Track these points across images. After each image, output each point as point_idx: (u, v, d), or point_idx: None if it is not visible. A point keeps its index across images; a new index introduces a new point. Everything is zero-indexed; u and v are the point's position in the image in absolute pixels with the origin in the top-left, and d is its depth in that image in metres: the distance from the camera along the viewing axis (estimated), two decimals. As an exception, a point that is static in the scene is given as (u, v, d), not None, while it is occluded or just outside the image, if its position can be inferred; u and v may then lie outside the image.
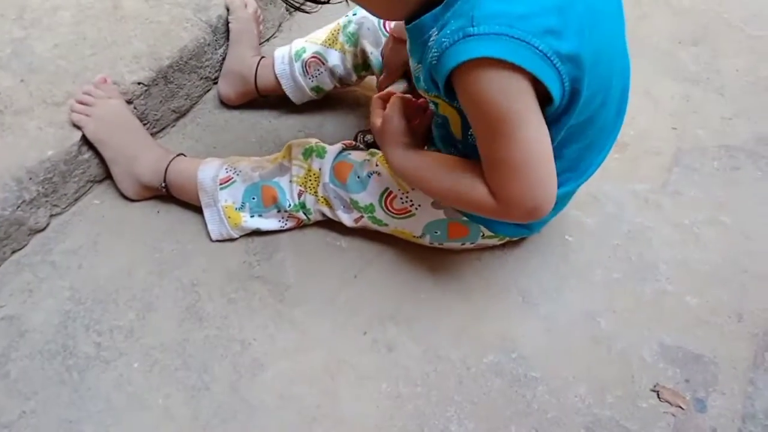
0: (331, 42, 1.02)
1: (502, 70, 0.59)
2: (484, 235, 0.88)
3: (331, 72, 1.03)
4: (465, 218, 0.85)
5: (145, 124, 1.01)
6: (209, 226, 0.93)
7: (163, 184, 0.94)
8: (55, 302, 0.87)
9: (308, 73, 1.04)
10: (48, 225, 0.95)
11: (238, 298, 0.90)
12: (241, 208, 0.92)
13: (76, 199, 0.98)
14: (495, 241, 0.91)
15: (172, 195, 0.96)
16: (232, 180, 0.91)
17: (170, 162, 0.94)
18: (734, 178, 1.05)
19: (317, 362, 0.84)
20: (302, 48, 1.04)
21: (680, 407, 0.80)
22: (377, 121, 0.82)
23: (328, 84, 1.05)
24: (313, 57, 1.03)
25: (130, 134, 0.96)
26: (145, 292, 0.89)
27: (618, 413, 0.80)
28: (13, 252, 0.91)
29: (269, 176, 0.91)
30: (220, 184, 0.91)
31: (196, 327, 0.86)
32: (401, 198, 0.86)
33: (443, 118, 0.78)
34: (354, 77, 1.05)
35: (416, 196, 0.85)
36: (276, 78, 1.05)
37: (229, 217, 0.92)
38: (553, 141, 0.67)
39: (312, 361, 0.84)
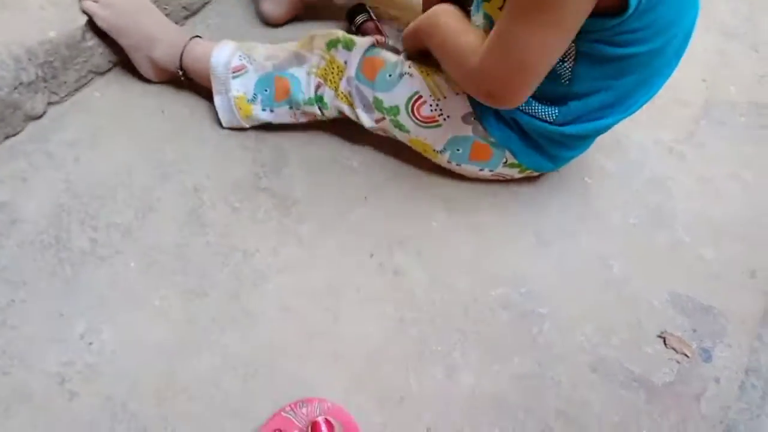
0: None
1: None
2: (506, 161, 0.84)
3: None
4: (492, 139, 0.81)
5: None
6: (219, 113, 0.90)
7: (180, 71, 0.90)
8: (50, 193, 0.83)
9: None
10: (45, 113, 0.89)
11: (243, 208, 0.86)
12: (253, 99, 0.88)
13: (77, 89, 0.92)
14: (514, 173, 0.88)
15: (190, 79, 0.92)
16: (245, 69, 0.87)
17: (185, 47, 0.89)
18: (761, 135, 1.02)
19: (321, 280, 0.81)
20: None
21: (685, 355, 0.79)
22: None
23: None
24: None
25: (144, 18, 0.90)
26: (145, 192, 0.85)
27: (622, 355, 0.79)
28: (7, 137, 0.86)
29: (283, 66, 0.87)
30: (233, 72, 0.87)
31: (197, 232, 0.83)
32: (431, 104, 0.81)
33: (487, 18, 0.74)
34: None
35: (447, 105, 0.81)
36: None
37: (240, 108, 0.89)
38: (612, 63, 0.66)
39: (315, 279, 0.81)
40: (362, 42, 0.84)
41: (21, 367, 0.70)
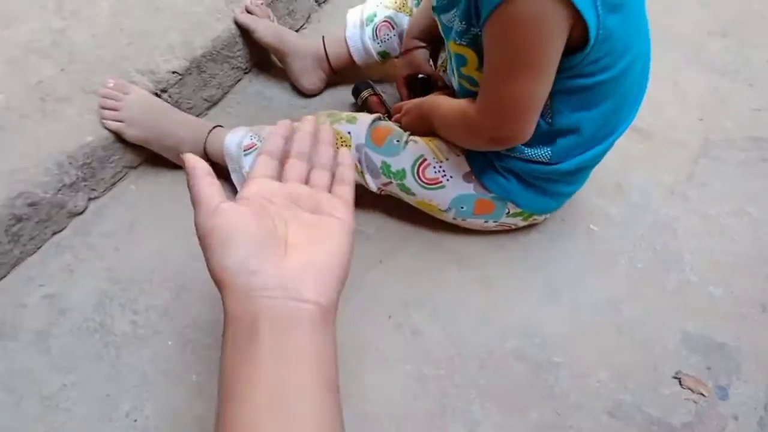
0: (400, 6, 1.06)
1: (549, 2, 0.62)
2: (509, 212, 0.89)
3: (400, 37, 1.06)
4: (492, 195, 0.87)
5: (178, 113, 1.04)
6: (239, 190, 0.97)
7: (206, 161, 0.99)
8: (94, 282, 0.91)
9: (377, 37, 1.07)
10: (86, 208, 0.99)
11: (268, 281, 0.92)
12: None
13: (113, 184, 1.01)
14: (518, 221, 0.92)
15: (214, 164, 1.00)
16: (255, 147, 0.95)
17: (207, 138, 0.98)
18: (762, 170, 1.05)
19: (343, 343, 0.85)
20: (373, 12, 1.07)
21: (702, 394, 0.81)
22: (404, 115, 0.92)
23: (395, 50, 1.08)
24: (384, 21, 1.06)
25: (167, 124, 0.99)
26: (179, 274, 0.93)
27: (640, 399, 0.81)
28: (54, 234, 0.95)
29: None
30: (245, 150, 0.95)
31: (227, 308, 0.89)
32: (434, 167, 0.88)
33: (471, 79, 0.80)
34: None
35: (449, 167, 0.88)
36: (346, 48, 1.09)
37: None
38: (585, 92, 0.72)
39: (337, 342, 0.86)
40: (366, 117, 0.92)
41: (74, 448, 0.76)
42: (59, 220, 0.95)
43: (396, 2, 1.06)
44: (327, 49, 1.11)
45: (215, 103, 1.14)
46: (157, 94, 1.01)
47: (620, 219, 0.99)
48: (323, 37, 1.12)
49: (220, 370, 0.40)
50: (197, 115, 1.11)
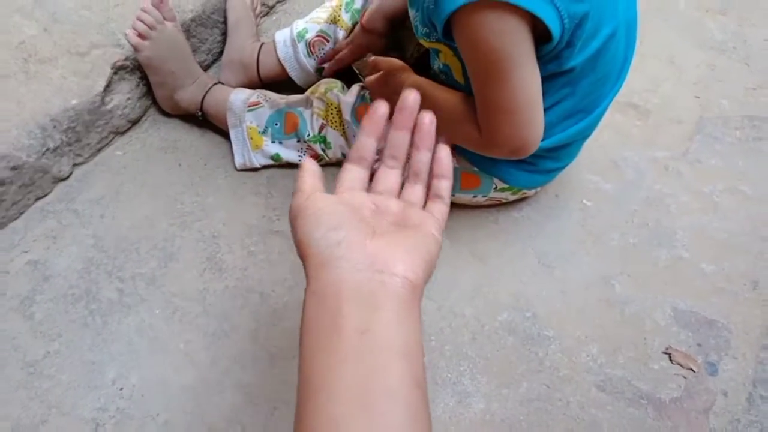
0: (333, 20, 1.00)
1: (500, 11, 0.60)
2: (496, 187, 0.88)
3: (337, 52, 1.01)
4: (476, 169, 0.85)
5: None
6: (234, 148, 0.97)
7: (200, 113, 0.99)
8: (79, 249, 0.89)
9: (312, 53, 1.02)
10: (71, 174, 0.96)
11: (258, 251, 0.91)
12: (264, 132, 0.96)
13: (99, 150, 0.99)
14: (508, 195, 0.91)
15: (208, 120, 1.01)
16: (260, 104, 0.96)
17: (207, 92, 0.98)
18: (756, 148, 1.04)
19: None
20: (304, 29, 1.02)
21: (692, 370, 0.81)
22: (371, 79, 0.86)
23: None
24: (317, 36, 1.01)
25: (179, 63, 0.97)
26: (167, 242, 0.91)
27: (629, 373, 0.81)
28: (37, 199, 0.93)
29: (294, 105, 0.95)
30: (249, 106, 0.95)
31: (216, 277, 0.88)
32: None
33: (446, 67, 0.78)
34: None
35: None
36: (279, 62, 1.03)
37: (251, 138, 0.96)
38: (560, 77, 0.69)
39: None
40: (354, 90, 0.90)
41: (58, 415, 0.75)
42: (43, 185, 0.93)
43: (327, 18, 1.00)
44: (260, 58, 1.04)
45: (204, 70, 1.11)
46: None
47: (614, 195, 0.98)
48: (261, 44, 1.05)
49: (300, 353, 0.38)
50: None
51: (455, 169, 0.86)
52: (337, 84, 0.94)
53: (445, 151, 0.50)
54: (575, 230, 0.95)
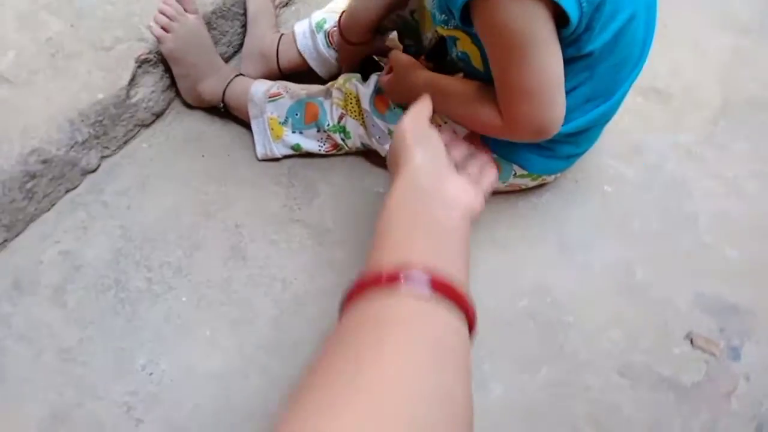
0: None
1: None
2: (516, 173, 0.88)
3: None
4: (495, 155, 0.85)
5: (189, 70, 1.03)
6: (255, 138, 0.99)
7: (221, 104, 1.01)
8: (107, 239, 0.92)
9: (332, 44, 1.02)
10: (99, 166, 0.99)
11: (279, 239, 0.93)
12: (284, 122, 0.97)
13: (125, 142, 1.01)
14: (527, 181, 0.91)
15: (230, 112, 1.03)
16: (281, 95, 0.97)
17: (228, 84, 1.00)
18: (783, 131, 1.02)
19: (355, 302, 0.87)
20: (322, 19, 1.02)
21: (713, 354, 0.81)
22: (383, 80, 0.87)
23: None
24: (335, 27, 1.01)
25: (201, 55, 0.99)
26: (192, 232, 0.93)
27: (650, 358, 0.81)
28: (67, 191, 0.96)
29: (315, 95, 0.96)
30: (270, 97, 0.97)
31: (240, 266, 0.90)
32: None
33: (464, 54, 0.78)
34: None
35: (448, 130, 0.85)
36: (299, 53, 1.04)
37: (272, 129, 0.97)
38: (578, 61, 0.68)
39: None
40: (372, 78, 0.90)
41: (92, 399, 0.78)
42: (72, 178, 0.95)
43: (346, 7, 1.00)
44: (279, 49, 1.04)
45: (226, 62, 1.12)
46: (167, 51, 1.00)
47: (635, 180, 0.97)
48: (281, 35, 1.05)
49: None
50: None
51: None
52: (356, 74, 0.94)
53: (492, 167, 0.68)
54: (596, 216, 0.94)
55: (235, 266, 0.90)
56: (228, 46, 1.11)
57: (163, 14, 0.95)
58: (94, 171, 0.98)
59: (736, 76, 1.10)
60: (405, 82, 0.83)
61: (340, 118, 0.94)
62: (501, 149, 0.85)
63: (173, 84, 1.04)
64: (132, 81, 0.98)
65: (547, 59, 0.66)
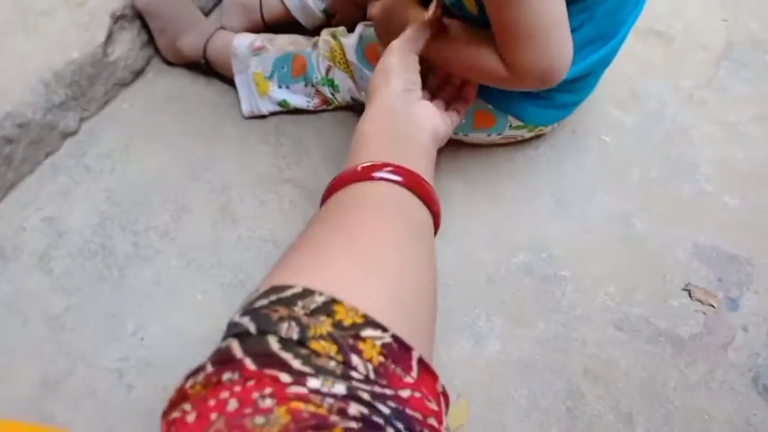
0: None
1: None
2: (511, 125, 0.85)
3: None
4: (490, 106, 0.82)
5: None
6: (240, 95, 0.95)
7: (203, 60, 0.97)
8: (92, 204, 0.89)
9: None
10: (79, 129, 0.95)
11: (269, 200, 0.90)
12: (270, 77, 0.93)
13: (105, 103, 0.98)
14: (523, 132, 0.88)
15: (212, 68, 0.98)
16: (266, 48, 0.92)
17: (209, 38, 0.95)
18: (787, 73, 0.98)
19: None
20: None
21: (712, 306, 0.80)
22: (374, 11, 0.78)
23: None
24: None
25: (179, 8, 0.95)
26: (179, 194, 0.91)
27: (647, 311, 0.80)
28: (48, 155, 0.93)
29: (302, 47, 0.92)
30: (253, 50, 0.92)
31: (229, 227, 0.88)
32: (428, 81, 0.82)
33: (458, 0, 0.73)
34: None
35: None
36: (283, 4, 0.99)
37: (257, 84, 0.94)
38: (577, 2, 0.65)
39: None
40: (358, 28, 0.86)
41: (83, 366, 0.77)
42: (52, 142, 0.92)
43: None
44: (263, 0, 0.99)
45: (206, 14, 1.07)
46: (143, 5, 0.95)
47: (634, 128, 0.94)
48: None
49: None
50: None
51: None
52: (341, 28, 0.89)
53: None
54: (594, 167, 0.92)
55: (224, 228, 0.88)
56: (208, -1, 1.06)
57: None
58: (74, 134, 0.95)
59: (738, 16, 1.05)
60: (398, 18, 0.75)
61: (328, 70, 0.90)
62: (496, 100, 0.81)
63: (152, 41, 1.00)
64: (108, 38, 0.93)
65: None
